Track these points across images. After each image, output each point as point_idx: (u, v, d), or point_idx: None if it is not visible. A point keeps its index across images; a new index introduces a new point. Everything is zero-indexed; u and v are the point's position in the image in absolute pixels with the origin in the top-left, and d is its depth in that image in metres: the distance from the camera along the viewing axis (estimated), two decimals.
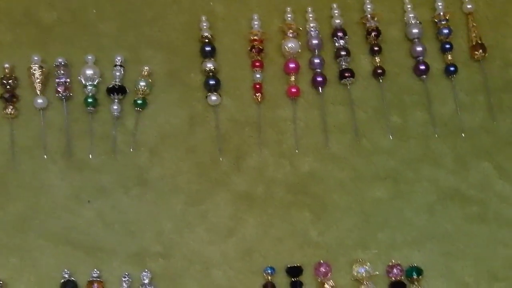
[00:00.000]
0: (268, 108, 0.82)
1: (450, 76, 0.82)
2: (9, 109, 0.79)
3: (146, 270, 0.74)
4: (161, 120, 0.81)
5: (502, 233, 0.77)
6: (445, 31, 0.83)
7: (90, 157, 0.79)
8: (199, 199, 0.78)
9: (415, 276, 0.74)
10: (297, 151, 0.80)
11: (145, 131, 0.80)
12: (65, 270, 0.73)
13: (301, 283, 0.74)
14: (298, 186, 0.79)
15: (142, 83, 0.81)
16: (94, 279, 0.73)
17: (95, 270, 0.73)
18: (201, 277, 0.75)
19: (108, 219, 0.77)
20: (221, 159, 0.79)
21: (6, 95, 0.79)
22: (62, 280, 0.73)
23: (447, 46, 0.83)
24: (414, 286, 0.74)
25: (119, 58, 0.82)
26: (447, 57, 0.83)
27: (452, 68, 0.82)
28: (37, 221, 0.76)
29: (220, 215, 0.77)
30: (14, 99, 0.80)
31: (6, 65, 0.81)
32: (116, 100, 0.80)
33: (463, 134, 0.80)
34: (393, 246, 0.76)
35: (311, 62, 0.83)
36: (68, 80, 0.80)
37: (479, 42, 0.83)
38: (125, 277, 0.73)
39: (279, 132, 0.81)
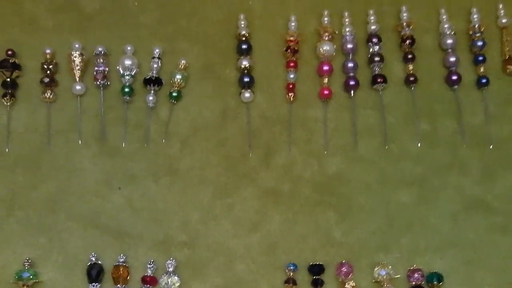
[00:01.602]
0: (300, 108, 0.83)
1: (481, 88, 0.83)
2: (48, 94, 0.81)
3: (172, 258, 0.75)
4: (194, 112, 0.82)
5: None
6: (479, 43, 0.84)
7: (123, 144, 0.81)
8: (226, 192, 0.79)
9: (435, 282, 0.74)
10: (325, 152, 0.81)
11: (177, 122, 0.82)
12: (93, 253, 0.75)
13: (322, 282, 0.75)
14: (325, 186, 0.80)
15: (178, 76, 0.82)
16: (120, 263, 0.74)
17: (122, 255, 0.75)
18: (224, 269, 0.76)
19: (136, 206, 0.78)
20: (250, 154, 0.81)
21: (46, 80, 0.82)
22: (89, 263, 0.74)
23: (480, 58, 0.84)
24: None
25: (157, 50, 0.83)
26: (480, 69, 0.84)
27: (484, 80, 0.83)
28: (68, 203, 0.78)
29: (246, 209, 0.79)
30: (53, 84, 0.82)
31: (48, 51, 0.83)
32: (152, 91, 0.82)
33: (491, 146, 0.81)
34: (416, 251, 0.77)
35: (344, 66, 0.84)
36: (107, 69, 0.82)
37: None
38: (150, 264, 0.75)
39: (309, 132, 0.82)
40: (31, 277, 0.73)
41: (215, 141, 0.81)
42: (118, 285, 0.73)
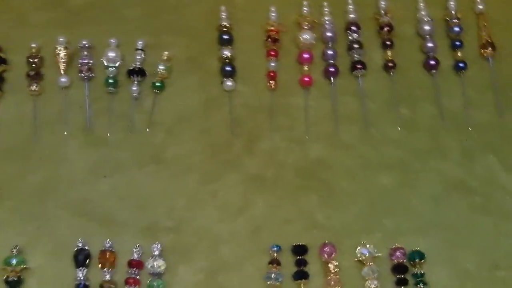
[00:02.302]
0: (281, 96, 0.85)
1: (459, 72, 0.85)
2: (34, 86, 0.83)
3: (157, 242, 0.76)
4: (178, 102, 0.84)
5: (504, 225, 0.78)
6: (456, 29, 0.86)
7: (108, 134, 0.82)
8: (211, 179, 0.81)
9: (417, 260, 0.75)
10: (307, 137, 0.83)
11: (162, 112, 0.84)
12: (79, 239, 0.76)
13: (305, 262, 0.76)
14: (307, 171, 0.81)
15: (161, 67, 0.84)
16: (107, 248, 0.76)
17: (108, 240, 0.76)
18: (210, 252, 0.77)
19: (122, 193, 0.80)
20: (234, 141, 0.82)
21: (32, 73, 0.83)
22: (76, 249, 0.76)
23: (457, 43, 0.86)
24: (416, 269, 0.75)
25: (140, 42, 0.85)
26: (457, 54, 0.86)
27: (461, 64, 0.85)
28: (55, 192, 0.80)
29: (230, 194, 0.80)
30: (39, 77, 0.84)
31: (33, 45, 0.85)
32: (135, 82, 0.84)
33: (470, 128, 0.83)
34: (398, 232, 0.78)
35: (324, 54, 0.86)
36: (91, 61, 0.84)
37: (489, 40, 0.86)
38: (136, 248, 0.76)
39: (291, 118, 0.84)
40: (19, 263, 0.74)
41: (199, 130, 0.83)
42: (105, 269, 0.75)
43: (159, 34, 0.88)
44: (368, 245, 0.76)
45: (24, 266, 0.75)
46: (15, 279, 0.74)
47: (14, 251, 0.75)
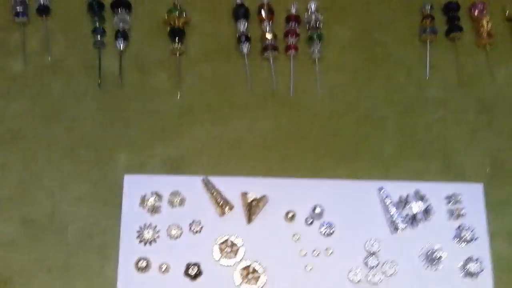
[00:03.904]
0: None
1: None
2: None
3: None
4: None
5: None
6: None
7: None
8: None
9: None
10: None
11: None
12: None
13: (458, 17, 0.77)
14: None
15: None
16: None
17: None
18: (363, 11, 0.79)
19: None
20: None
21: None
22: (235, 4, 0.76)
23: None
24: None
25: None
26: None
27: None
28: None
29: None
30: None
31: None
32: None
33: None
34: None
35: None
36: None
37: None
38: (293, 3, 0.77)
39: None
40: (180, 13, 0.75)
41: None
42: (264, 23, 0.76)
43: None
44: None
45: (185, 19, 0.76)
46: (179, 29, 0.75)
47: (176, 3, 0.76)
